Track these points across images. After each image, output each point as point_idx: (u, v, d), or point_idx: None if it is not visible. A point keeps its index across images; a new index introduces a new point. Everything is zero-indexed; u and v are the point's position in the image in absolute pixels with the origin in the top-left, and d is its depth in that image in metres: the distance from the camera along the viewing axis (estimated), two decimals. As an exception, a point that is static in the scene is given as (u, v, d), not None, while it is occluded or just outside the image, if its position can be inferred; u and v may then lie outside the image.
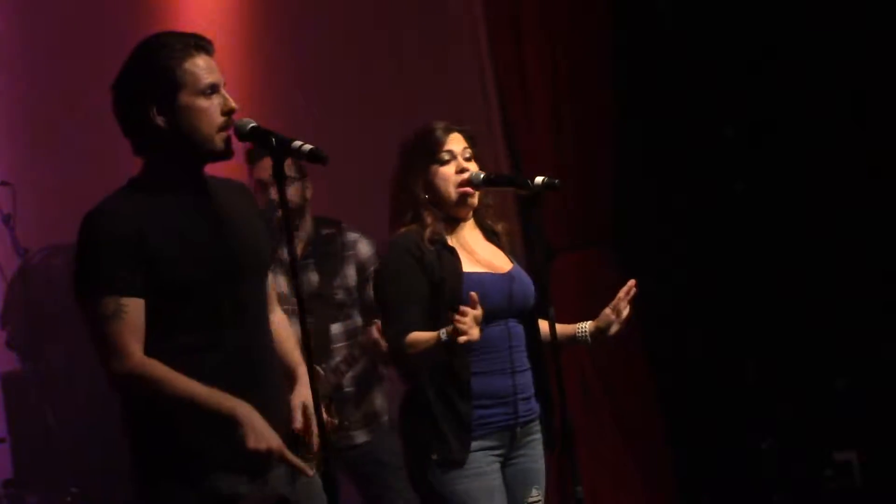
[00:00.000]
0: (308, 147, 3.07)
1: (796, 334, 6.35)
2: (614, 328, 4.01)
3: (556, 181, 3.97)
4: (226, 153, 3.17)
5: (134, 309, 3.07)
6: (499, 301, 3.85)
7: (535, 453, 3.96)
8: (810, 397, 6.40)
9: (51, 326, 5.54)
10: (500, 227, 4.04)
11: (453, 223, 3.95)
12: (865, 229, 6.23)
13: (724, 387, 6.33)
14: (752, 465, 6.46)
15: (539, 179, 3.90)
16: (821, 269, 6.24)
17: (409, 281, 3.81)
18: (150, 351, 3.11)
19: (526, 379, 3.92)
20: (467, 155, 3.94)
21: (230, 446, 3.07)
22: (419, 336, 3.74)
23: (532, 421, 3.93)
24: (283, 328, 3.42)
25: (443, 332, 3.66)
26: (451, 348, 3.67)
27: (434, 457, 3.78)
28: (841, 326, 6.23)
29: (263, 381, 3.22)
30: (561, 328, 4.00)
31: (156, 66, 3.14)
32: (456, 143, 3.94)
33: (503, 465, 3.88)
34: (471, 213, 3.99)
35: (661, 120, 6.36)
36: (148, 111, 3.13)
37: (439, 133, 3.93)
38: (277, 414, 3.20)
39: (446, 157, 3.92)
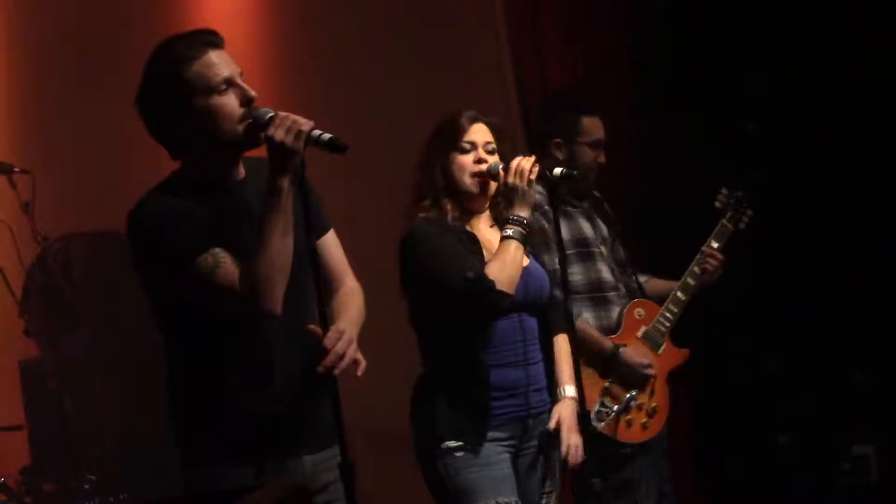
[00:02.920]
0: (327, 136, 3.06)
1: (814, 328, 6.33)
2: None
3: (575, 172, 3.97)
4: (251, 142, 3.14)
5: (227, 255, 3.06)
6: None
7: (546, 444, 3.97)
8: (828, 392, 6.38)
9: (69, 314, 5.55)
10: None
11: (468, 214, 3.95)
12: (883, 223, 6.21)
13: (741, 381, 6.31)
14: (770, 460, 6.45)
15: (557, 170, 3.90)
16: (839, 262, 6.22)
17: (449, 240, 3.82)
18: (181, 353, 3.18)
19: (538, 371, 3.92)
20: (490, 148, 3.93)
21: (242, 436, 3.12)
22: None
23: (544, 412, 3.93)
24: (347, 298, 3.35)
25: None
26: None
27: (447, 444, 3.79)
28: (859, 320, 6.21)
29: (296, 378, 3.21)
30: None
31: (165, 74, 3.12)
32: (479, 134, 3.93)
33: (515, 457, 3.89)
34: (486, 206, 3.99)
35: (679, 116, 6.35)
36: (168, 120, 3.13)
37: (463, 121, 3.93)
38: (312, 420, 3.22)
39: (467, 146, 3.91)
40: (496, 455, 3.82)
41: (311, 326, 3.09)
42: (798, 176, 6.17)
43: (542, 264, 4.08)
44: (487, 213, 4.01)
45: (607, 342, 4.75)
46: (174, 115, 3.12)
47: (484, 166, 3.90)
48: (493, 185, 3.94)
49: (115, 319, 5.61)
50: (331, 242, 3.39)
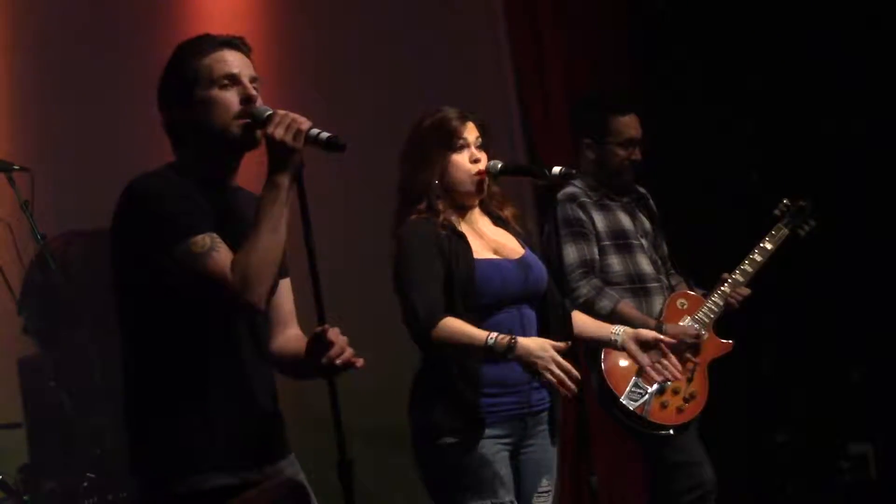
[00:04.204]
0: (326, 134, 3.05)
1: (811, 326, 6.34)
2: None
3: (573, 171, 3.99)
4: (246, 141, 3.13)
5: (223, 243, 3.03)
6: (513, 287, 3.87)
7: (545, 443, 3.98)
8: (826, 390, 6.39)
9: (68, 312, 5.55)
10: (506, 213, 4.06)
11: (462, 210, 3.97)
12: (880, 221, 6.22)
13: (740, 379, 6.32)
14: (768, 457, 6.46)
15: (556, 169, 3.92)
16: (835, 260, 6.23)
17: (431, 260, 3.82)
18: (156, 352, 3.15)
19: (538, 368, 3.91)
20: (479, 143, 3.96)
21: (228, 442, 3.09)
22: (456, 325, 3.74)
23: (544, 411, 3.94)
24: (298, 342, 3.27)
25: (491, 337, 3.68)
26: (494, 354, 3.69)
27: (445, 441, 3.79)
28: (856, 318, 6.22)
29: (263, 384, 3.22)
30: (595, 327, 4.07)
31: (177, 64, 3.17)
32: (470, 131, 3.96)
33: (514, 454, 3.89)
34: (479, 201, 4.01)
35: (677, 112, 6.36)
36: (171, 108, 3.16)
37: (455, 122, 3.94)
38: (276, 427, 3.24)
39: (461, 145, 3.93)
40: (494, 453, 3.81)
41: (324, 326, 3.07)
42: (795, 174, 6.19)
43: (546, 257, 4.10)
44: (478, 207, 4.04)
45: (650, 320, 4.79)
46: (176, 103, 3.14)
47: (481, 165, 3.93)
48: (488, 182, 3.97)
49: (114, 318, 5.61)
50: (287, 286, 3.35)
